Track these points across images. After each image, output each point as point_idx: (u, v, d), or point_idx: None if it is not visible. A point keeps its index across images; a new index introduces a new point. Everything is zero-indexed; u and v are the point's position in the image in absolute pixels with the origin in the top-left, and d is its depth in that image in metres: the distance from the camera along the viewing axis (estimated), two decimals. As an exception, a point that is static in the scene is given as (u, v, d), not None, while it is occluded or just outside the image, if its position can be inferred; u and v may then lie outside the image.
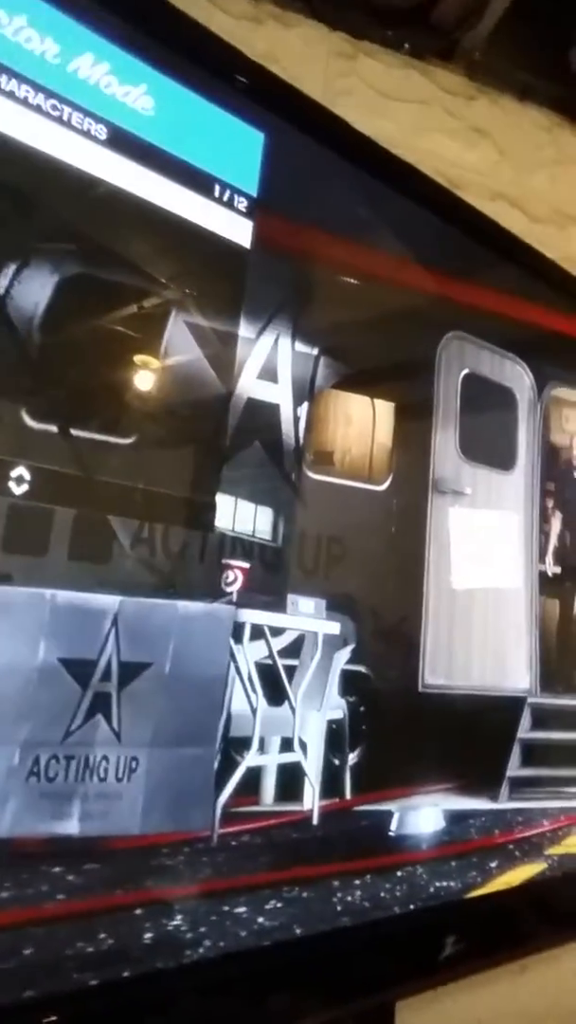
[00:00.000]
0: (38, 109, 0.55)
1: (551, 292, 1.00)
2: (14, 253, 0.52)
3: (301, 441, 0.68)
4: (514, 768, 0.80)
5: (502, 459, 0.88)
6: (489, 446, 0.87)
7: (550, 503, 0.94)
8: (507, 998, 1.00)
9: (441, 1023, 0.91)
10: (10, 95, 0.54)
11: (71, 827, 0.49)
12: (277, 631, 0.62)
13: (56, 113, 0.56)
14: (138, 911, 0.51)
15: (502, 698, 0.82)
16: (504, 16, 1.26)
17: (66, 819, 0.49)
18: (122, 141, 0.60)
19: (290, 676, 0.63)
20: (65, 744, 0.49)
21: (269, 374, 0.67)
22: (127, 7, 0.62)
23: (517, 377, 0.92)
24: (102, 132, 0.59)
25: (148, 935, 0.51)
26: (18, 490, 0.51)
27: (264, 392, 0.67)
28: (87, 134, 0.58)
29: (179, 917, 0.53)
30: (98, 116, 0.59)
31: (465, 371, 0.85)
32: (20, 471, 0.51)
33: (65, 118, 0.57)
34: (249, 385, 0.65)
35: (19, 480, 0.51)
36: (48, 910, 0.47)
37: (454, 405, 0.83)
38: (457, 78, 1.39)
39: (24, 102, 0.55)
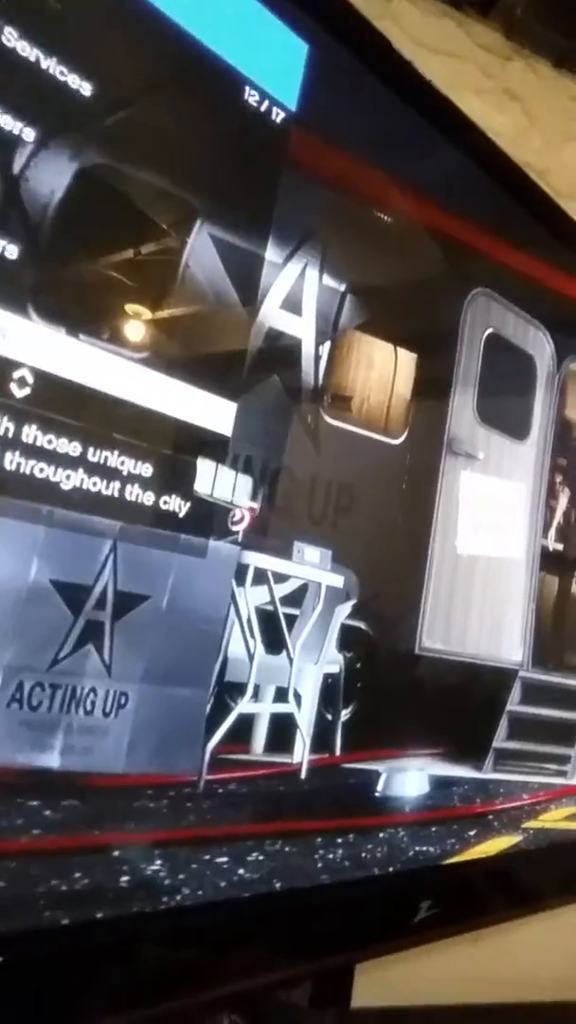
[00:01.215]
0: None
1: (580, 262, 0.97)
2: (34, 126, 0.47)
3: (321, 382, 0.64)
4: (500, 740, 0.79)
5: (517, 427, 0.85)
6: (505, 412, 0.84)
7: (559, 478, 0.92)
8: (461, 965, 1.01)
9: (398, 985, 0.92)
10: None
11: (52, 760, 0.45)
12: (281, 577, 0.59)
13: None
14: (116, 853, 0.48)
15: (495, 669, 0.81)
16: (547, -24, 1.20)
17: (47, 751, 0.45)
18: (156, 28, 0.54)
19: (290, 625, 0.60)
20: (51, 672, 0.45)
21: (293, 305, 0.63)
22: None
23: (539, 344, 0.89)
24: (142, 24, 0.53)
25: (125, 878, 0.48)
26: (19, 393, 0.46)
27: (287, 324, 0.62)
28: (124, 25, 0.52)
29: (158, 862, 0.50)
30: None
31: (489, 330, 0.81)
32: (23, 372, 0.46)
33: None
34: (272, 314, 0.61)
35: (21, 382, 0.46)
36: (22, 844, 0.44)
37: (475, 364, 0.80)
38: (494, 35, 1.33)
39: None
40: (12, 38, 0.46)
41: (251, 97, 0.61)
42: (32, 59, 0.47)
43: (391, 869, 0.64)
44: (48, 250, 0.48)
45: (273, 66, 0.63)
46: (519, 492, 0.85)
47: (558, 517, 0.91)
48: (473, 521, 0.77)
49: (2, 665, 0.44)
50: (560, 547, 0.91)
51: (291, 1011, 0.73)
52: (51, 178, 0.48)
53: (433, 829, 0.70)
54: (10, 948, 0.41)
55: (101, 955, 0.46)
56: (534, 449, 0.87)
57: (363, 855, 0.63)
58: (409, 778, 0.69)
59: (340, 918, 0.60)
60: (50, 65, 0.48)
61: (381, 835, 0.65)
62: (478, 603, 0.79)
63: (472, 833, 0.74)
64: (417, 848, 0.68)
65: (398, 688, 0.71)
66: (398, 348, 0.72)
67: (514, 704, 0.81)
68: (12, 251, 0.46)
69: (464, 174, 0.82)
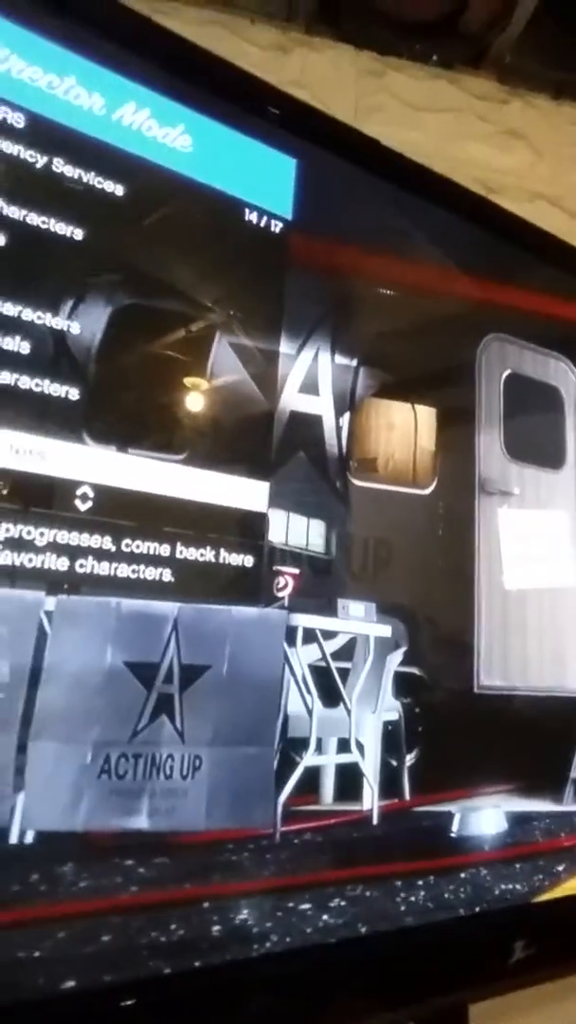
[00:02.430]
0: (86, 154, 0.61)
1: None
2: (71, 289, 0.57)
3: (344, 450, 0.70)
4: (578, 770, 0.79)
5: (550, 458, 0.87)
6: (536, 445, 0.87)
7: (603, 500, 0.92)
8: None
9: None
10: (63, 146, 0.59)
11: (141, 822, 0.52)
12: (329, 634, 0.64)
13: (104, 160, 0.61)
14: (206, 904, 0.53)
15: (563, 699, 0.81)
16: (533, 17, 1.26)
17: (136, 815, 0.51)
18: (162, 181, 0.64)
19: (344, 678, 0.65)
20: (133, 743, 0.52)
21: (310, 387, 0.70)
22: (165, 57, 0.67)
23: (562, 374, 0.91)
24: (144, 174, 0.63)
25: (216, 928, 0.53)
26: (83, 507, 0.55)
27: (306, 405, 0.69)
28: (131, 176, 0.63)
29: (245, 912, 0.55)
30: (140, 157, 0.63)
31: (507, 372, 0.85)
32: (84, 489, 0.55)
33: (110, 165, 0.62)
34: (292, 399, 0.68)
35: (83, 498, 0.55)
36: (123, 900, 0.50)
37: (497, 406, 0.83)
38: (488, 83, 1.40)
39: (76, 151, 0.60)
40: (35, 218, 0.57)
41: (251, 216, 0.70)
42: (59, 232, 0.58)
43: (477, 909, 0.65)
44: (95, 385, 0.57)
45: (267, 185, 0.72)
46: (563, 520, 0.86)
47: (609, 538, 0.91)
48: (517, 555, 0.80)
49: (91, 741, 0.51)
50: (616, 568, 0.90)
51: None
52: (91, 324, 0.58)
53: (517, 866, 0.71)
54: (119, 996, 0.46)
55: (201, 1002, 0.51)
56: (572, 475, 0.89)
57: (446, 895, 0.64)
58: (484, 816, 0.70)
59: (429, 961, 0.62)
60: (71, 231, 0.58)
61: (463, 875, 0.67)
62: (535, 636, 0.80)
63: (561, 868, 0.74)
64: (503, 886, 0.69)
65: (461, 728, 0.73)
66: (416, 406, 0.77)
67: (588, 733, 0.81)
68: (67, 391, 0.56)
69: (459, 231, 0.88)
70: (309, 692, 0.61)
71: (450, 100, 1.37)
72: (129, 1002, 0.46)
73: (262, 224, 0.70)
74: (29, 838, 0.49)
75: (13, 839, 0.48)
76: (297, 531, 0.65)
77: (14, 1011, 0.45)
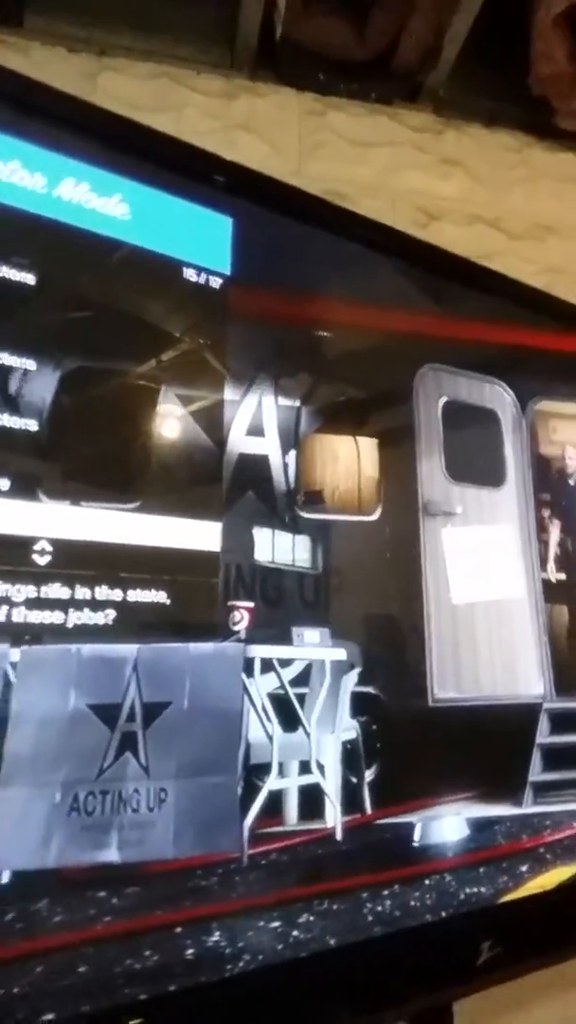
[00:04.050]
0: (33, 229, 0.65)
1: (522, 311, 1.06)
2: (20, 356, 0.61)
3: (292, 485, 0.75)
4: (536, 773, 0.83)
5: (491, 476, 0.93)
6: (476, 466, 0.92)
7: (546, 513, 0.98)
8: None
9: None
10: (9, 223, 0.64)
11: (111, 855, 0.55)
12: (286, 662, 0.68)
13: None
14: (178, 929, 0.56)
15: (516, 706, 0.86)
16: (463, 51, 1.35)
17: (106, 848, 0.55)
18: (103, 248, 0.69)
19: (302, 703, 0.68)
20: (100, 780, 0.55)
21: (256, 430, 0.75)
22: (98, 132, 0.72)
23: (498, 397, 0.97)
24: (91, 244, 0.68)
25: (190, 951, 0.56)
26: (42, 561, 0.58)
27: (253, 446, 0.74)
28: (72, 246, 0.67)
29: (218, 934, 0.58)
30: (80, 228, 0.68)
31: (444, 399, 0.91)
32: (42, 544, 0.59)
33: (54, 237, 0.66)
34: (239, 442, 0.73)
35: (42, 552, 0.58)
36: (97, 931, 0.53)
37: (437, 431, 0.89)
38: (425, 116, 1.49)
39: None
40: None
41: (189, 274, 0.75)
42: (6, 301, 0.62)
43: (443, 914, 0.69)
44: (48, 445, 0.61)
45: (204, 244, 0.77)
46: (506, 534, 0.92)
47: (554, 549, 0.96)
48: (463, 572, 0.85)
49: (59, 782, 0.54)
50: (563, 576, 0.96)
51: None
52: (40, 390, 0.62)
53: (481, 870, 0.74)
54: None
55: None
56: (513, 491, 0.94)
57: (412, 903, 0.68)
58: (446, 824, 0.74)
59: (397, 967, 0.65)
60: (17, 300, 0.63)
61: (427, 882, 0.70)
62: (485, 647, 0.85)
63: (524, 869, 0.77)
64: (468, 890, 0.72)
65: (419, 741, 0.77)
66: (358, 438, 0.82)
67: (544, 736, 0.85)
68: (22, 451, 0.59)
69: (393, 270, 0.94)
70: (269, 719, 0.65)
71: (389, 134, 1.44)
72: (106, 1028, 0.49)
73: (201, 281, 0.75)
74: (4, 878, 0.51)
75: (-12, 881, 0.51)
76: (251, 566, 0.69)
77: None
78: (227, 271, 0.77)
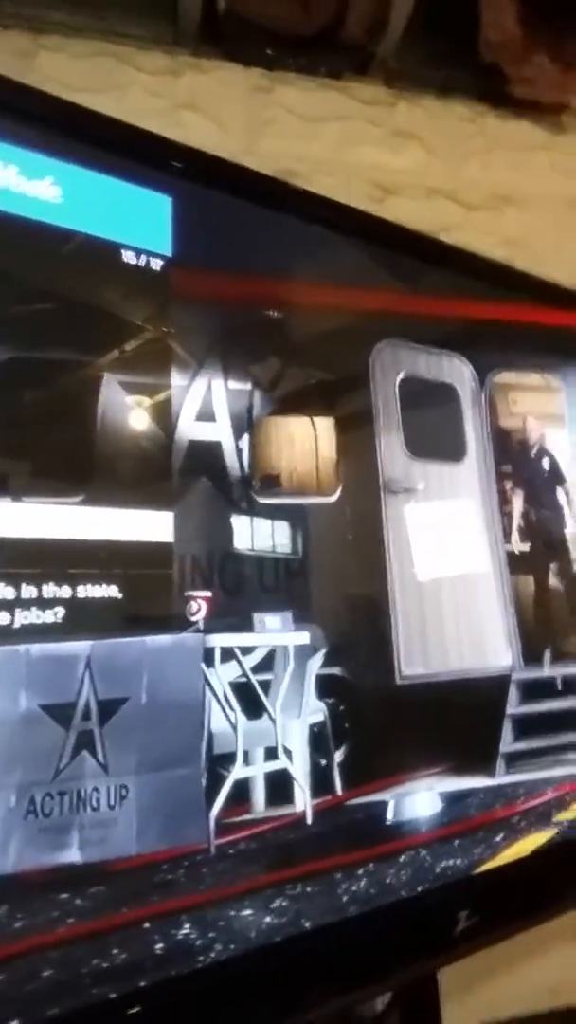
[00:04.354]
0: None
1: (480, 284, 1.04)
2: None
3: (247, 470, 0.73)
4: (507, 744, 0.83)
5: (451, 451, 0.92)
6: (436, 441, 0.91)
7: (508, 485, 0.97)
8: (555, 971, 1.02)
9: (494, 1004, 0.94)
10: None
11: (72, 855, 0.54)
12: (247, 650, 0.67)
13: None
14: (146, 925, 0.55)
15: (485, 678, 0.86)
16: (411, 21, 1.32)
17: (67, 849, 0.53)
18: (35, 233, 0.66)
19: (266, 689, 0.68)
20: (56, 781, 0.54)
21: (207, 415, 0.73)
22: (24, 112, 0.69)
23: (456, 371, 0.96)
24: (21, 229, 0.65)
25: (159, 946, 0.55)
26: (-18, 561, 0.56)
27: (204, 432, 0.72)
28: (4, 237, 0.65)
29: (187, 926, 0.57)
30: (9, 213, 0.65)
31: (401, 375, 0.89)
32: (-19, 545, 0.57)
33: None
34: (188, 428, 0.71)
35: (-18, 553, 0.57)
36: (61, 933, 0.52)
37: (395, 408, 0.88)
38: (375, 88, 1.45)
39: None
40: None
41: (128, 257, 0.72)
42: None
43: (420, 889, 0.69)
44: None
45: (142, 225, 0.74)
46: (468, 508, 0.91)
47: (517, 520, 0.96)
48: (427, 547, 0.84)
49: (14, 785, 0.53)
50: (526, 547, 0.96)
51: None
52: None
53: (456, 843, 0.75)
54: (66, 1026, 0.48)
55: (151, 1019, 0.53)
56: (474, 465, 0.94)
57: (388, 881, 0.68)
58: (418, 800, 0.74)
59: (375, 944, 0.65)
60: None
61: (402, 859, 0.70)
62: (451, 621, 0.85)
63: (499, 838, 0.78)
64: (444, 863, 0.73)
65: (388, 720, 0.77)
66: (314, 418, 0.81)
67: (513, 707, 0.85)
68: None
69: (344, 245, 0.92)
70: (232, 708, 0.64)
71: (340, 108, 1.41)
72: (74, 1030, 0.48)
73: (141, 263, 0.73)
74: (-39, 888, 0.50)
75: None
76: (207, 555, 0.68)
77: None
78: (168, 252, 0.75)
